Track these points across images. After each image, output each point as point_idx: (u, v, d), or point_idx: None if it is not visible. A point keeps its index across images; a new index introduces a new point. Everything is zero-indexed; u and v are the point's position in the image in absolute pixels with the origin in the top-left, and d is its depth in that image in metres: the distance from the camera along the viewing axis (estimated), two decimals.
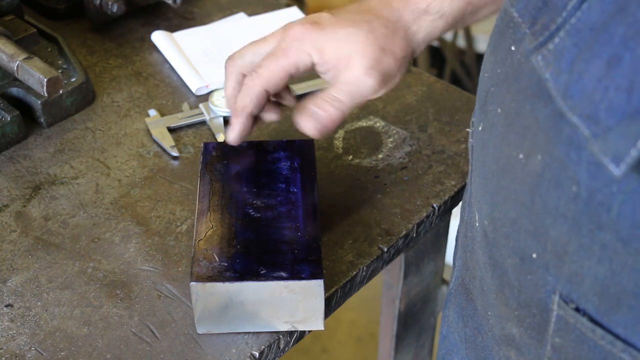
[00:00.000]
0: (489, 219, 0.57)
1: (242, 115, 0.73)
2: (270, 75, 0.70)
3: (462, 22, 0.74)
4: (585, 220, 0.46)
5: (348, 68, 0.69)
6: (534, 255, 0.51)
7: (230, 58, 0.75)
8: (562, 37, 0.45)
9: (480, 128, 0.59)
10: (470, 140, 0.67)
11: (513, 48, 0.52)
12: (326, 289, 0.73)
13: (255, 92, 0.71)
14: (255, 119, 0.75)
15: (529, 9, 0.50)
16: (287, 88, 0.76)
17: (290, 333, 0.71)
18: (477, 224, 0.61)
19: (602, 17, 0.43)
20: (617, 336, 0.48)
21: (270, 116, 0.76)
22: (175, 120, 0.93)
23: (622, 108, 0.42)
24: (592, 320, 0.49)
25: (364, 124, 0.93)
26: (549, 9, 0.47)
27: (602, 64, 0.43)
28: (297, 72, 0.71)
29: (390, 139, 0.91)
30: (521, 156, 0.50)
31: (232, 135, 0.75)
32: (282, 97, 0.77)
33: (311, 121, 0.70)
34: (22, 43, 0.90)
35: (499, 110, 0.54)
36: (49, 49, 0.99)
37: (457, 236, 0.73)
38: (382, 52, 0.69)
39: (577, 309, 0.49)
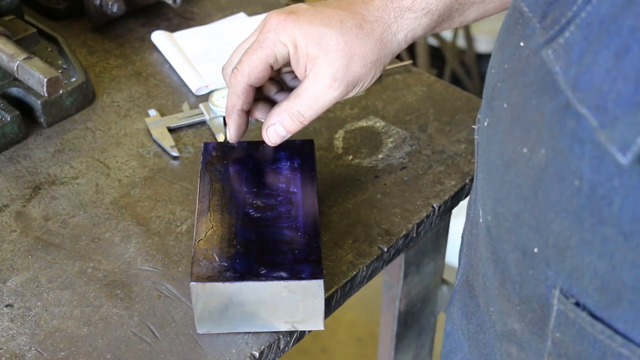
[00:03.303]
0: (493, 214, 0.57)
1: (234, 114, 0.75)
2: (250, 69, 0.71)
3: (449, 21, 0.73)
4: (587, 214, 0.46)
5: (315, 76, 0.70)
6: (536, 250, 0.51)
7: (223, 69, 0.76)
8: (572, 30, 0.46)
9: (485, 123, 0.59)
10: (475, 137, 0.67)
11: (522, 44, 0.53)
12: (326, 289, 0.73)
13: (240, 88, 0.73)
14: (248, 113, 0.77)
15: (540, 3, 0.50)
16: (275, 83, 0.77)
17: (290, 333, 0.71)
18: (480, 220, 0.61)
19: (612, 10, 0.43)
20: (616, 331, 0.48)
21: (262, 114, 0.76)
22: (175, 120, 0.93)
23: (630, 98, 0.42)
24: (592, 314, 0.49)
25: (364, 124, 0.93)
26: (560, 3, 0.48)
27: (611, 55, 0.43)
28: (277, 63, 0.72)
29: (390, 139, 0.91)
30: (525, 150, 0.51)
31: (230, 135, 0.77)
32: (270, 91, 0.77)
33: (273, 136, 0.74)
34: (22, 43, 0.91)
35: (505, 105, 0.54)
36: (49, 49, 0.99)
37: (462, 234, 0.74)
38: (350, 59, 0.69)
39: (577, 304, 0.49)
